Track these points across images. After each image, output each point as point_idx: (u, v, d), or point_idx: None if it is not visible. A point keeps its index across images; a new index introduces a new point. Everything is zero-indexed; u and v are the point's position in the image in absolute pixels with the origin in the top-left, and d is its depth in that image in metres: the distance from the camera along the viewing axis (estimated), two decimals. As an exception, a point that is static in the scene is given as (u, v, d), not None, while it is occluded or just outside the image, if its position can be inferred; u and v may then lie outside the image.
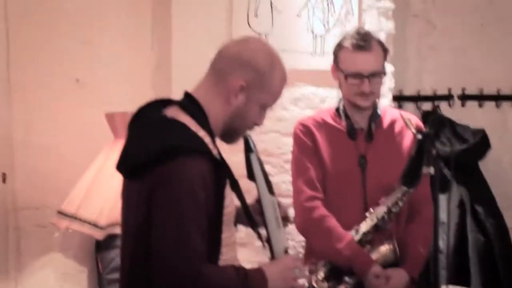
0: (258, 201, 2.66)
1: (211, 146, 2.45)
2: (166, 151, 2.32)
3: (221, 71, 2.50)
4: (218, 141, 2.59)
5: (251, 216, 2.65)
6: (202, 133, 2.43)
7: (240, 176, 2.62)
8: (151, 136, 2.40)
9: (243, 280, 2.41)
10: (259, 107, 2.54)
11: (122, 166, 2.51)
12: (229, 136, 2.58)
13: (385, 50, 3.40)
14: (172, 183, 2.31)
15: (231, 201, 2.52)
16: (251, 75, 2.47)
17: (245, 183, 2.63)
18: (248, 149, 2.64)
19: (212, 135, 2.49)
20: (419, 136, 2.96)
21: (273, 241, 2.63)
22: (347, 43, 3.35)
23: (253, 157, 2.64)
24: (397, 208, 3.32)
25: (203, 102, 2.49)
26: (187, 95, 2.54)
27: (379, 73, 3.36)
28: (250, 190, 2.67)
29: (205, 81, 2.54)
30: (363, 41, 3.32)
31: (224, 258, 2.50)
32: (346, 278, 3.30)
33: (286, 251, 2.63)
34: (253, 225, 2.66)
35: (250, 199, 2.70)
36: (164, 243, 2.31)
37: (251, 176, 2.64)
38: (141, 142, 2.43)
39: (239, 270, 2.45)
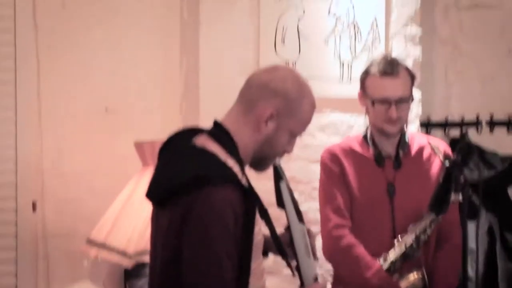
0: (288, 229, 2.66)
1: (240, 175, 2.45)
2: (195, 180, 2.33)
3: (250, 99, 2.51)
4: (247, 169, 2.60)
5: (280, 244, 2.64)
6: (231, 162, 2.44)
7: (268, 204, 2.62)
8: (181, 165, 2.41)
9: None
10: (288, 135, 2.54)
11: (151, 194, 2.52)
12: (259, 164, 2.58)
13: (412, 76, 3.41)
14: (201, 212, 2.32)
15: (260, 230, 2.52)
16: (281, 103, 2.48)
17: (273, 211, 2.63)
18: (278, 177, 2.63)
19: (241, 164, 2.50)
20: (447, 163, 2.96)
21: (302, 269, 2.62)
22: (374, 69, 3.36)
23: (283, 185, 2.63)
24: (425, 236, 3.31)
25: (233, 131, 2.49)
26: (216, 123, 2.55)
27: (406, 99, 3.36)
28: (279, 219, 2.67)
29: (234, 109, 2.55)
30: (390, 67, 3.33)
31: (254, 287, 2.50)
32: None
33: (316, 279, 2.62)
34: (283, 254, 2.65)
35: (279, 227, 2.70)
36: (194, 272, 2.31)
37: (280, 203, 2.64)
38: (171, 170, 2.44)
39: None
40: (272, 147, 2.53)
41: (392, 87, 3.33)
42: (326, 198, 3.45)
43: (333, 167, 3.43)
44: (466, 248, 2.79)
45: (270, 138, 2.50)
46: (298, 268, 2.63)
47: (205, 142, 2.48)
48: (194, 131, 2.57)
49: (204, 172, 2.35)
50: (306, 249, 2.63)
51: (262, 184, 2.73)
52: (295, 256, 2.63)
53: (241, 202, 2.38)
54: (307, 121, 2.58)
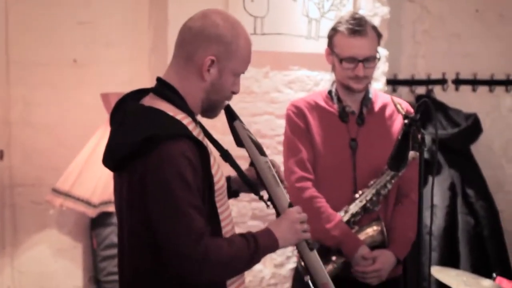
0: (251, 164, 2.70)
1: (191, 126, 2.48)
2: (146, 141, 2.36)
3: (187, 51, 2.52)
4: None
5: (249, 180, 2.70)
6: (181, 115, 2.46)
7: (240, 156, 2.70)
8: (130, 128, 2.43)
9: (254, 245, 2.46)
10: (232, 76, 2.56)
11: (107, 161, 2.56)
12: (209, 111, 2.61)
13: (379, 35, 3.44)
14: (158, 170, 2.35)
15: (221, 176, 2.56)
16: (218, 48, 2.49)
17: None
18: (231, 117, 2.68)
19: (192, 115, 2.52)
20: (405, 121, 2.99)
21: (275, 199, 2.66)
22: (342, 28, 3.37)
23: (237, 124, 2.68)
24: (385, 190, 3.38)
25: (177, 84, 2.52)
26: (160, 80, 2.57)
27: (373, 58, 3.39)
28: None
29: (174, 63, 2.56)
30: (359, 26, 3.35)
31: (226, 231, 2.55)
32: (334, 258, 3.36)
33: (290, 205, 2.65)
34: (253, 189, 2.71)
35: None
36: (163, 229, 2.36)
37: (239, 143, 2.69)
38: (121, 135, 2.47)
39: (247, 236, 2.49)
40: (219, 92, 2.56)
41: (359, 46, 3.35)
42: (290, 151, 3.49)
43: (298, 121, 3.46)
44: (421, 203, 2.83)
45: (215, 83, 2.53)
46: (271, 199, 2.67)
47: (152, 101, 2.51)
48: (141, 92, 2.59)
49: (154, 132, 2.37)
50: (274, 179, 2.66)
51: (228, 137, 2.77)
52: (265, 188, 2.68)
53: (195, 153, 2.41)
54: (247, 58, 2.60)
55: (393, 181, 3.38)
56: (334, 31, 3.43)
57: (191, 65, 2.51)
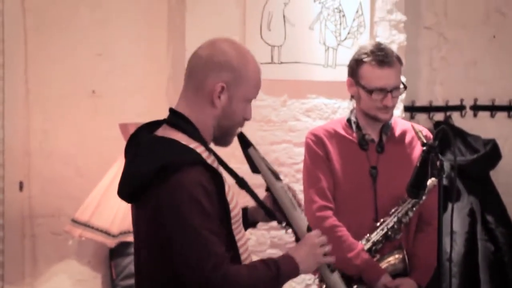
0: (268, 189, 2.71)
1: (205, 155, 2.49)
2: (160, 170, 2.37)
3: (197, 79, 2.54)
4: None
5: (266, 207, 2.71)
6: (194, 144, 2.47)
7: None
8: (143, 158, 2.45)
9: (275, 270, 2.46)
10: (243, 102, 2.57)
11: (121, 192, 2.56)
12: (222, 138, 2.61)
13: (401, 64, 3.44)
14: (174, 198, 2.35)
15: (236, 204, 2.56)
16: (228, 74, 2.51)
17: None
18: (245, 144, 2.68)
19: (205, 144, 2.53)
20: (424, 148, 2.99)
21: (293, 224, 2.67)
22: (369, 59, 3.36)
23: (251, 151, 2.68)
24: (406, 218, 3.37)
25: (189, 114, 2.53)
26: (172, 111, 2.58)
27: (399, 87, 3.40)
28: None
29: (185, 93, 2.58)
30: (386, 57, 3.35)
31: (243, 259, 2.55)
32: (355, 287, 3.35)
33: (309, 229, 2.66)
34: (271, 215, 2.71)
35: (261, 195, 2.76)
36: (183, 258, 2.36)
37: (254, 169, 2.69)
38: (135, 165, 2.48)
39: (268, 262, 2.49)
40: (230, 118, 2.56)
41: (388, 77, 3.35)
42: (310, 181, 3.48)
43: (317, 150, 3.46)
44: (441, 230, 2.83)
45: (226, 110, 2.53)
46: (289, 224, 2.68)
47: (165, 132, 2.52)
48: (155, 124, 2.60)
49: (167, 160, 2.38)
50: (291, 203, 2.67)
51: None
52: (282, 213, 2.68)
53: (210, 181, 2.42)
54: (257, 84, 2.61)
55: (414, 208, 3.38)
56: (358, 62, 3.41)
57: (201, 93, 2.52)
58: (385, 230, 3.35)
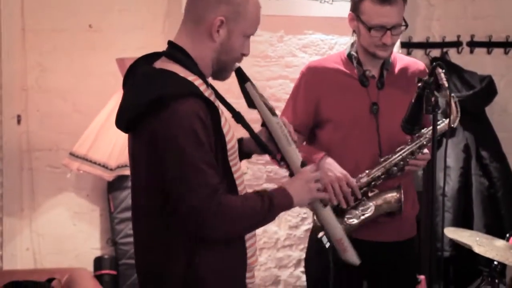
0: (263, 124, 2.73)
1: (203, 88, 2.51)
2: (157, 101, 2.39)
3: (197, 13, 2.54)
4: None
5: (261, 141, 2.73)
6: (192, 77, 2.49)
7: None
8: (141, 89, 2.46)
9: (268, 202, 2.49)
10: (241, 38, 2.59)
11: (119, 122, 2.59)
12: (220, 72, 2.63)
13: (405, 2, 3.41)
14: (170, 127, 2.38)
15: (232, 136, 2.60)
16: (227, 9, 2.52)
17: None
18: (242, 79, 2.70)
19: (203, 77, 2.55)
20: (419, 84, 2.99)
21: (288, 159, 2.70)
22: None
23: (248, 86, 2.69)
24: (411, 159, 3.36)
25: (188, 47, 2.55)
26: (171, 44, 2.60)
27: (400, 25, 3.37)
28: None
29: (184, 27, 2.59)
30: None
31: (239, 191, 2.58)
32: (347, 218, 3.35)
33: (303, 164, 2.69)
34: (265, 149, 2.74)
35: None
36: (179, 187, 2.39)
37: (250, 104, 2.70)
38: (133, 96, 2.50)
39: (262, 194, 2.53)
40: (228, 53, 2.58)
41: (389, 14, 3.31)
42: (286, 106, 3.56)
43: (309, 83, 3.47)
44: (435, 165, 2.85)
45: (224, 44, 2.55)
46: (283, 158, 2.71)
47: (163, 64, 2.54)
48: (153, 56, 2.62)
49: (164, 91, 2.41)
50: (286, 138, 2.69)
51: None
52: (277, 148, 2.71)
53: (207, 113, 2.44)
54: (256, 20, 2.62)
55: (421, 150, 3.37)
56: None
57: (201, 27, 2.53)
58: (387, 167, 3.35)
